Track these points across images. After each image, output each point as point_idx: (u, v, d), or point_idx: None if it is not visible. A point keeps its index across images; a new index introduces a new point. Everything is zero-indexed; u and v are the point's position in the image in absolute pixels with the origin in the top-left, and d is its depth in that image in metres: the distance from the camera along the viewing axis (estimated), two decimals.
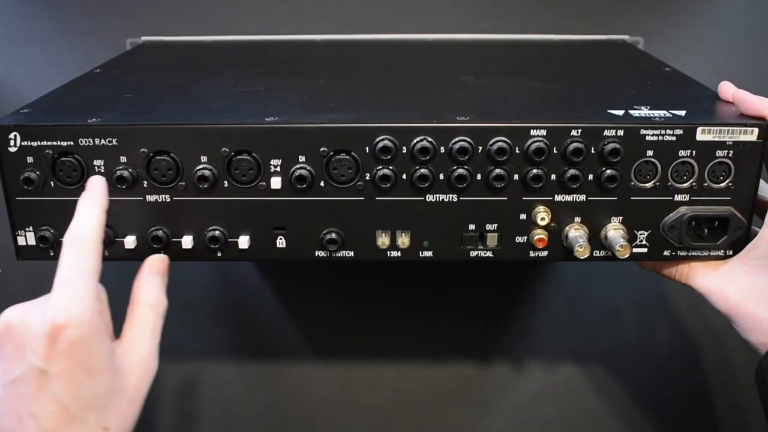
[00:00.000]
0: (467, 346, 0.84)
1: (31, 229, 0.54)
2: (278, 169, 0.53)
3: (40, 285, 0.82)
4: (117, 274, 0.82)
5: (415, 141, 0.51)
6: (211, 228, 0.54)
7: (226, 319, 0.84)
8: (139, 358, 0.49)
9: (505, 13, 0.88)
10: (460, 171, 0.52)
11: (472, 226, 0.54)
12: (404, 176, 0.53)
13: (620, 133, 0.51)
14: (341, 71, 0.70)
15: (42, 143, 0.52)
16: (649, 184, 0.53)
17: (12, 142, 0.52)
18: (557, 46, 0.81)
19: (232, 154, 0.52)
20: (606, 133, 0.51)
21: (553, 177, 0.53)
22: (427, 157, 0.52)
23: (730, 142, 0.51)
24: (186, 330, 0.83)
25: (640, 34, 0.84)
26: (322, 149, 0.52)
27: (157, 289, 0.52)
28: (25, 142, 0.52)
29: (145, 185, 0.53)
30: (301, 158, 0.52)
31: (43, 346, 0.44)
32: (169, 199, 0.53)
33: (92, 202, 0.49)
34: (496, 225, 0.54)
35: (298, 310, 0.84)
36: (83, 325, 0.45)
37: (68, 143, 0.52)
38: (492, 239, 0.55)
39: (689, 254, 0.55)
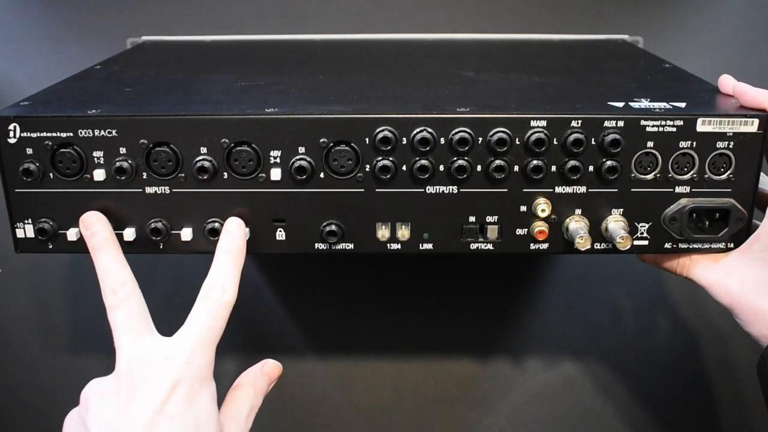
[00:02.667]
0: (467, 345, 0.84)
1: (30, 221, 0.54)
2: (278, 160, 0.52)
3: (41, 284, 0.82)
4: None
5: (415, 132, 0.51)
6: (210, 220, 0.54)
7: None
8: (235, 430, 0.51)
9: (505, 13, 0.88)
10: (461, 162, 0.52)
11: (472, 218, 0.54)
12: (404, 167, 0.52)
13: (620, 124, 0.51)
14: (341, 68, 0.70)
15: (41, 134, 0.52)
16: (649, 176, 0.53)
17: (11, 134, 0.52)
18: (557, 46, 0.81)
19: (232, 145, 0.52)
20: (606, 124, 0.51)
21: (554, 168, 0.52)
22: (428, 148, 0.52)
23: (731, 134, 0.51)
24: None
25: (639, 33, 0.84)
26: (321, 140, 0.52)
27: (261, 387, 0.54)
28: (25, 134, 0.52)
29: (144, 177, 0.53)
30: (301, 149, 0.52)
31: (166, 388, 0.47)
32: (168, 191, 0.53)
33: (234, 262, 0.52)
34: (496, 217, 0.54)
35: (298, 308, 0.84)
36: (203, 382, 0.48)
37: (68, 134, 0.52)
38: (492, 231, 0.55)
39: (690, 247, 0.55)
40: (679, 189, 0.53)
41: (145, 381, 0.47)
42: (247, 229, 0.54)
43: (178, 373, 0.47)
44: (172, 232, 0.54)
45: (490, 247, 0.55)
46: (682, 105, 0.53)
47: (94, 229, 0.52)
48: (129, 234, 0.54)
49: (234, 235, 0.53)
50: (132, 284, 0.51)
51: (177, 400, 0.47)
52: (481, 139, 0.52)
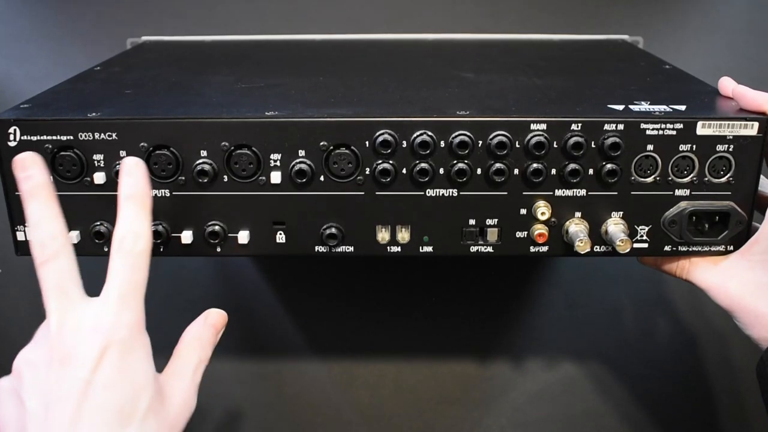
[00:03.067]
0: (467, 346, 0.84)
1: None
2: (278, 163, 0.52)
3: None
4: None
5: (415, 135, 0.51)
6: (210, 223, 0.54)
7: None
8: (180, 388, 0.50)
9: (505, 13, 0.88)
10: (460, 165, 0.52)
11: (472, 221, 0.54)
12: (404, 171, 0.53)
13: (620, 127, 0.51)
14: (341, 69, 0.70)
15: (42, 138, 0.52)
16: (649, 179, 0.53)
17: (12, 137, 0.52)
18: (557, 46, 0.81)
19: (232, 148, 0.52)
20: (606, 127, 0.51)
21: (554, 171, 0.53)
22: (427, 152, 0.52)
23: (731, 137, 0.51)
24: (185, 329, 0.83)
25: (640, 34, 0.84)
26: (321, 143, 0.52)
27: (208, 339, 0.53)
28: (25, 137, 0.52)
29: None
30: (301, 152, 0.52)
31: (94, 355, 0.45)
32: (168, 194, 0.53)
33: (140, 206, 0.48)
34: (496, 220, 0.54)
35: (298, 309, 0.84)
36: (133, 341, 0.46)
37: (68, 138, 0.52)
38: (492, 234, 0.55)
39: (690, 249, 0.55)
40: (678, 192, 0.53)
41: (75, 350, 0.45)
42: (143, 167, 0.49)
43: (105, 338, 0.45)
44: (173, 235, 0.54)
45: (490, 249, 0.55)
46: (682, 108, 0.53)
47: (30, 172, 0.48)
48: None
49: (134, 176, 0.48)
50: (64, 239, 0.47)
51: (108, 366, 0.45)
52: (481, 142, 0.52)
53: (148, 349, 0.47)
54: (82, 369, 0.45)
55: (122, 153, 0.52)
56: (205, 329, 0.53)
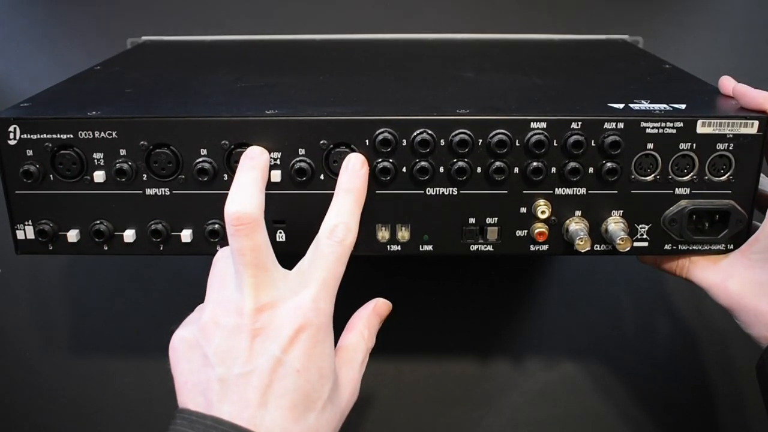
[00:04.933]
0: (467, 346, 0.84)
1: (30, 222, 0.54)
2: (278, 162, 0.52)
3: (41, 284, 0.82)
4: (115, 271, 0.82)
5: (415, 134, 0.51)
6: (210, 221, 0.54)
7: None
8: (351, 378, 0.51)
9: (505, 13, 0.88)
10: (461, 164, 0.52)
11: (472, 220, 0.54)
12: (404, 169, 0.53)
13: (620, 125, 0.51)
14: (341, 69, 0.70)
15: (42, 136, 0.52)
16: (649, 178, 0.53)
17: (11, 135, 0.52)
18: (557, 46, 0.81)
19: (232, 146, 0.52)
20: (606, 125, 0.51)
21: (554, 170, 0.53)
22: (427, 150, 0.52)
23: (731, 135, 0.51)
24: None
25: (640, 34, 0.84)
26: (321, 142, 0.52)
27: (373, 326, 0.55)
28: (25, 135, 0.52)
29: (144, 178, 0.53)
30: (301, 151, 0.52)
31: (288, 338, 0.46)
32: (168, 193, 0.53)
33: (357, 202, 0.51)
34: (496, 218, 0.54)
35: None
36: (325, 329, 0.48)
37: (68, 136, 0.52)
38: (492, 233, 0.55)
39: (690, 248, 0.55)
40: (678, 190, 0.53)
41: (272, 324, 0.46)
42: (367, 168, 0.52)
43: (303, 320, 0.47)
44: (172, 233, 0.54)
45: (490, 248, 0.55)
46: (682, 106, 0.53)
47: (257, 158, 0.50)
48: (129, 235, 0.54)
49: (356, 173, 0.51)
50: (261, 213, 0.48)
51: (300, 349, 0.46)
52: (481, 140, 0.52)
53: (332, 341, 0.49)
54: (276, 345, 0.46)
55: (122, 152, 0.52)
56: (374, 317, 0.55)
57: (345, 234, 0.49)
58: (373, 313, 0.55)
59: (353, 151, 0.52)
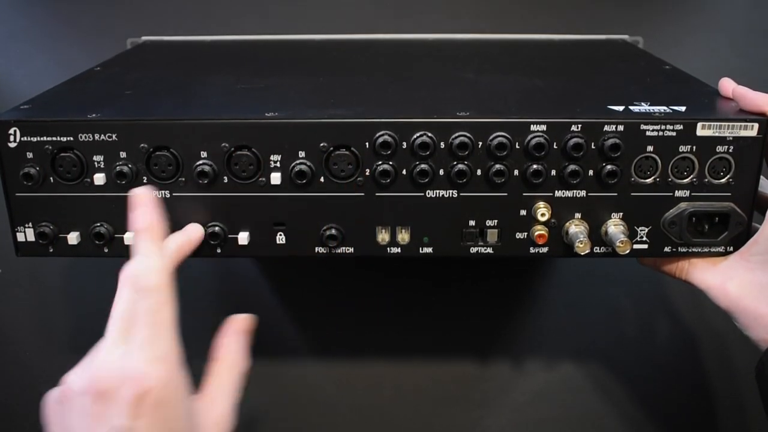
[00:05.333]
0: (467, 346, 0.84)
1: (30, 225, 0.54)
2: (278, 164, 0.52)
3: (41, 285, 0.82)
4: (115, 273, 0.82)
5: (415, 136, 0.51)
6: (210, 224, 0.54)
7: (225, 318, 0.84)
8: (216, 415, 0.49)
9: (505, 13, 0.88)
10: (460, 166, 0.52)
11: (472, 222, 0.54)
12: (404, 172, 0.53)
13: (620, 128, 0.51)
14: (341, 69, 0.70)
15: (42, 139, 0.52)
16: (649, 180, 0.53)
17: (12, 138, 0.52)
18: (557, 46, 0.81)
19: (232, 149, 0.52)
20: (606, 128, 0.51)
21: (554, 172, 0.53)
22: (427, 153, 0.52)
23: (731, 138, 0.51)
24: (186, 330, 0.83)
25: (640, 34, 0.84)
26: (322, 144, 0.52)
27: (240, 349, 0.52)
28: (25, 138, 0.52)
29: (144, 181, 0.53)
30: (301, 154, 0.52)
31: (131, 405, 0.43)
32: (168, 195, 0.53)
33: (150, 239, 0.47)
34: (496, 221, 0.54)
35: (298, 309, 0.84)
36: (169, 385, 0.45)
37: (68, 139, 0.52)
38: (492, 235, 0.55)
39: (690, 250, 0.55)
40: (678, 193, 0.53)
41: (111, 395, 0.44)
42: (152, 197, 0.50)
43: (139, 386, 0.44)
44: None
45: (489, 250, 0.55)
46: (682, 109, 0.53)
47: (149, 222, 0.49)
48: (129, 238, 0.54)
49: (145, 209, 0.49)
50: (163, 278, 0.47)
51: (145, 415, 0.43)
52: (481, 143, 0.52)
53: (184, 386, 0.46)
54: (119, 417, 0.43)
55: (122, 154, 0.52)
56: (235, 341, 0.53)
57: (150, 277, 0.46)
58: (233, 335, 0.53)
59: (353, 153, 0.52)
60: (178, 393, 0.46)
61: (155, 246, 0.47)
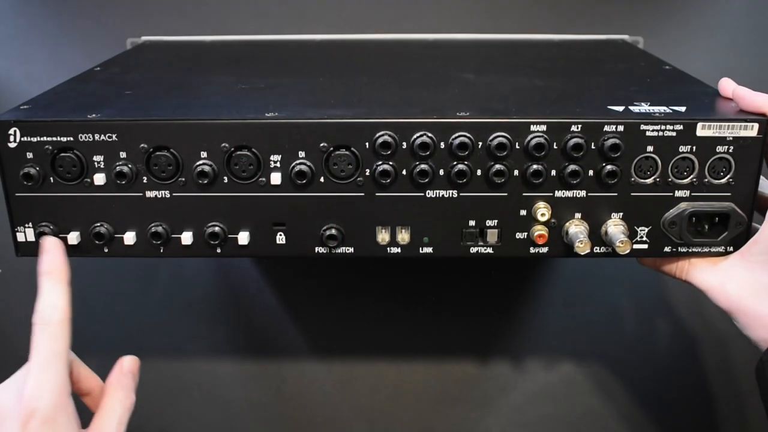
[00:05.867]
0: (467, 346, 0.84)
1: (30, 225, 0.54)
2: (278, 164, 0.52)
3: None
4: (115, 273, 0.82)
5: (415, 136, 0.51)
6: (210, 224, 0.54)
7: (226, 318, 0.84)
8: None
9: (505, 13, 0.88)
10: (460, 166, 0.52)
11: (472, 222, 0.54)
12: (404, 172, 0.53)
13: (620, 128, 0.51)
14: (341, 69, 0.70)
15: (42, 139, 0.52)
16: (649, 180, 0.53)
17: (12, 138, 0.52)
18: (557, 46, 0.81)
19: (232, 149, 0.52)
20: (606, 128, 0.51)
21: (554, 173, 0.53)
22: (427, 153, 0.52)
23: (731, 138, 0.51)
24: (186, 330, 0.83)
25: (640, 34, 0.84)
26: (321, 145, 0.52)
27: (127, 386, 0.55)
28: (25, 138, 0.52)
29: (144, 181, 0.53)
30: (301, 154, 0.52)
31: (21, 423, 0.47)
32: (168, 195, 0.53)
33: (57, 280, 0.52)
34: (496, 221, 0.54)
35: (298, 309, 0.84)
36: (54, 409, 0.48)
37: (68, 139, 0.52)
38: (492, 235, 0.55)
39: (690, 250, 0.55)
40: (678, 193, 0.53)
41: (6, 412, 0.48)
42: (60, 244, 0.54)
43: (28, 408, 0.47)
44: (173, 236, 0.54)
45: (489, 250, 0.55)
46: (682, 109, 0.53)
47: (54, 264, 0.53)
48: (129, 238, 0.54)
49: (51, 254, 0.53)
50: (62, 314, 0.51)
51: (35, 426, 0.47)
52: (481, 143, 0.52)
53: (71, 414, 0.49)
54: None
55: (122, 154, 0.52)
56: (124, 379, 0.55)
57: (51, 312, 0.50)
58: (120, 372, 0.55)
59: (353, 153, 0.52)
60: (64, 419, 0.48)
61: (57, 286, 0.51)
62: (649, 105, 0.54)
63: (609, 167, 0.52)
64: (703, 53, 0.86)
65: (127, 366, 0.56)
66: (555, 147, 0.52)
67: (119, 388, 0.54)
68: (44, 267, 0.52)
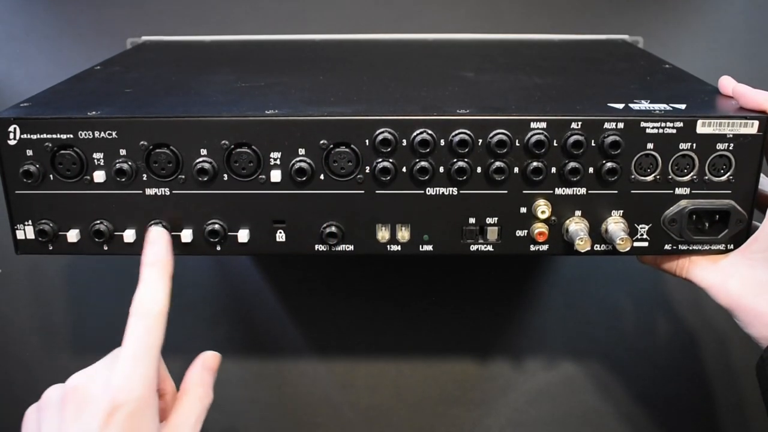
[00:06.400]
0: (467, 346, 0.84)
1: (30, 222, 0.54)
2: (278, 162, 0.52)
3: (41, 284, 0.82)
4: (115, 271, 0.82)
5: (415, 134, 0.51)
6: (210, 221, 0.54)
7: (226, 318, 0.84)
8: None
9: (505, 13, 0.88)
10: (460, 164, 0.52)
11: (472, 220, 0.54)
12: (404, 169, 0.52)
13: (620, 125, 0.51)
14: (341, 68, 0.70)
15: (41, 136, 0.52)
16: (649, 178, 0.53)
17: (11, 135, 0.52)
18: (557, 46, 0.81)
19: (232, 147, 0.52)
20: (606, 125, 0.51)
21: (554, 170, 0.52)
22: (427, 150, 0.52)
23: (731, 135, 0.51)
24: (186, 330, 0.83)
25: (640, 34, 0.84)
26: (321, 142, 0.52)
27: (207, 384, 0.55)
28: (25, 135, 0.52)
29: (144, 178, 0.53)
30: (301, 151, 0.52)
31: (103, 415, 0.46)
32: (168, 193, 0.53)
33: (160, 273, 0.51)
34: (496, 218, 0.54)
35: (298, 309, 0.84)
36: (141, 403, 0.47)
37: (68, 136, 0.52)
38: (492, 233, 0.55)
39: (690, 248, 0.55)
40: (679, 190, 0.53)
41: (86, 405, 0.47)
42: (167, 238, 0.53)
43: (116, 398, 0.47)
44: (172, 233, 0.54)
45: (490, 248, 0.55)
46: (682, 107, 0.53)
47: (161, 256, 0.52)
48: (129, 235, 0.54)
49: (157, 245, 0.52)
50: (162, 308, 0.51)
51: (115, 427, 0.46)
52: (481, 140, 0.52)
53: (156, 409, 0.49)
54: (91, 423, 0.46)
55: (122, 151, 0.52)
56: (203, 376, 0.55)
57: (150, 305, 0.50)
58: (203, 369, 0.55)
59: (353, 151, 0.52)
60: (149, 414, 0.48)
61: (160, 279, 0.51)
62: (650, 102, 0.54)
63: (609, 165, 0.52)
64: (703, 53, 0.86)
65: (209, 362, 0.56)
66: (555, 144, 0.52)
67: (200, 385, 0.54)
68: (149, 258, 0.52)
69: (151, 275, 0.51)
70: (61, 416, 0.48)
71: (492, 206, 0.54)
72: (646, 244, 0.55)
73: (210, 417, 0.83)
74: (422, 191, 0.53)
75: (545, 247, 0.55)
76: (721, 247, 0.55)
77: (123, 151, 0.52)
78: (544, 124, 0.51)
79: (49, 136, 0.52)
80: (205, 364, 0.55)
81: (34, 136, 0.52)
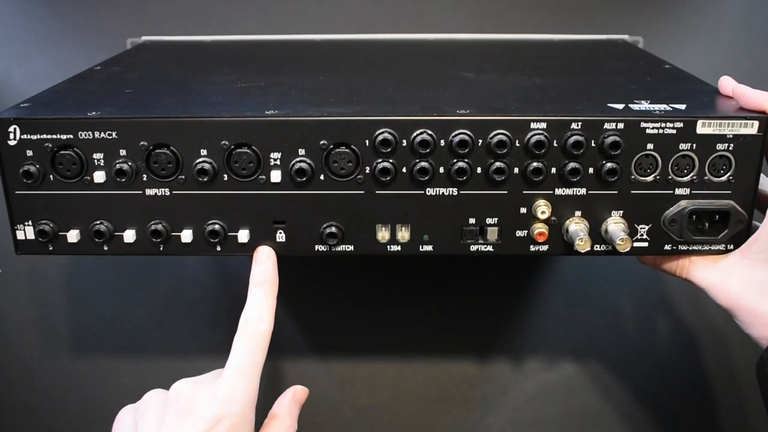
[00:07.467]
0: (467, 346, 0.84)
1: (30, 223, 0.54)
2: (278, 162, 0.52)
3: (41, 284, 0.82)
4: (115, 271, 0.82)
5: (415, 134, 0.51)
6: (210, 222, 0.54)
7: (226, 318, 0.84)
8: None
9: (505, 13, 0.88)
10: (460, 164, 0.52)
11: (472, 220, 0.54)
12: (404, 169, 0.53)
13: (620, 126, 0.51)
14: (341, 68, 0.70)
15: (42, 136, 0.52)
16: (649, 178, 0.53)
17: (11, 136, 0.52)
18: (557, 46, 0.81)
19: (232, 147, 0.52)
20: (606, 126, 0.51)
21: (554, 170, 0.53)
22: (427, 150, 0.52)
23: (731, 136, 0.51)
24: (186, 330, 0.83)
25: (640, 34, 0.84)
26: (321, 142, 0.52)
27: (294, 416, 0.56)
28: (25, 136, 0.52)
29: (144, 179, 0.53)
30: (301, 151, 0.52)
31: (205, 425, 0.48)
32: (168, 193, 0.53)
33: (267, 292, 0.54)
34: (496, 219, 0.54)
35: (298, 309, 0.84)
36: (242, 419, 0.49)
37: (68, 136, 0.52)
38: (492, 233, 0.55)
39: (690, 248, 0.55)
40: (678, 191, 0.53)
41: (191, 414, 0.49)
42: (274, 258, 0.55)
43: (220, 411, 0.49)
44: (173, 234, 0.54)
45: (490, 248, 0.55)
46: (682, 107, 0.53)
47: (269, 276, 0.54)
48: (129, 236, 0.54)
49: (264, 265, 0.54)
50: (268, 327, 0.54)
51: (220, 430, 0.48)
52: (481, 141, 0.52)
53: (253, 426, 0.51)
54: (193, 429, 0.48)
55: (122, 152, 0.52)
56: (294, 405, 0.57)
57: (257, 324, 0.52)
58: (292, 401, 0.57)
59: (353, 151, 0.52)
60: (247, 430, 0.50)
61: (267, 299, 0.53)
62: (649, 103, 0.54)
63: (609, 165, 0.52)
64: (703, 53, 0.86)
65: (298, 395, 0.58)
66: (555, 145, 0.52)
67: (288, 416, 0.55)
68: (256, 278, 0.54)
69: (259, 294, 0.53)
70: (161, 419, 0.49)
71: (492, 206, 0.54)
72: (646, 244, 0.55)
73: None
74: (422, 191, 0.53)
75: (545, 248, 0.55)
76: (721, 247, 0.55)
77: (123, 152, 0.52)
78: (544, 125, 0.51)
79: (49, 136, 0.52)
80: (296, 396, 0.57)
81: (34, 137, 0.52)
